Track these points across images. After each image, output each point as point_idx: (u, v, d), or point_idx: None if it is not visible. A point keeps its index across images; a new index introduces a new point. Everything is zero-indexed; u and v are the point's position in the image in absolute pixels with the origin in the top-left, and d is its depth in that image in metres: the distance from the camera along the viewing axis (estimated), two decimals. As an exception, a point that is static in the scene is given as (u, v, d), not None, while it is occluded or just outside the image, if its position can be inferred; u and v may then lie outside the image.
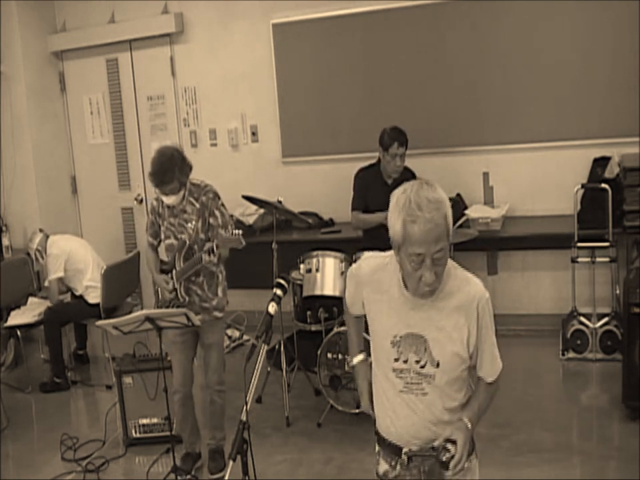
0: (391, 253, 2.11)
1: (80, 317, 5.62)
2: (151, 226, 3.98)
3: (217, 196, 3.88)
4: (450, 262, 2.11)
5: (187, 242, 3.83)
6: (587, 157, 5.42)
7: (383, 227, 5.04)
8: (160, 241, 4.01)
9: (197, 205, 3.84)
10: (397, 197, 2.00)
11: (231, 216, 4.18)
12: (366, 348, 2.45)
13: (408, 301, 2.11)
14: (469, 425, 2.10)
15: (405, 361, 2.13)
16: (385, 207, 5.35)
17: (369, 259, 2.31)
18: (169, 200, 3.80)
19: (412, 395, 2.15)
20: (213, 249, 3.64)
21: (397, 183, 5.38)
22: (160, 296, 4.03)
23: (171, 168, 3.69)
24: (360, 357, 2.49)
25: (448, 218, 1.97)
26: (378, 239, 4.83)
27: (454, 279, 2.11)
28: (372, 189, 4.95)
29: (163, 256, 4.05)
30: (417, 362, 2.12)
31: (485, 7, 5.54)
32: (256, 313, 6.14)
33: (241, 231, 3.59)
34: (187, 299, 3.88)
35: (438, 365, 2.10)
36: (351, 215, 4.98)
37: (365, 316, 2.32)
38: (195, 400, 4.14)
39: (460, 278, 2.13)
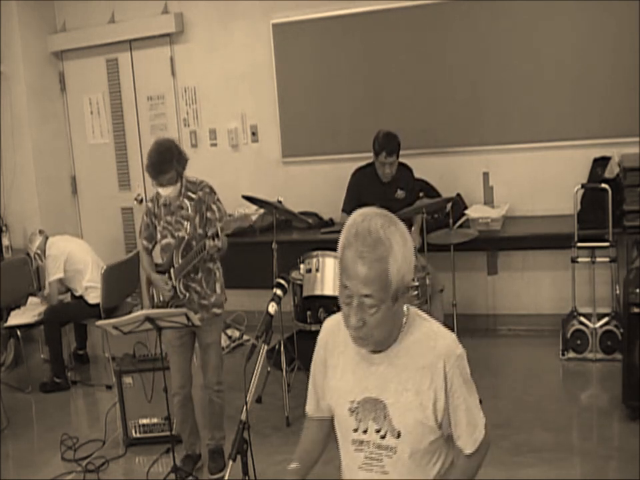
0: None
1: (80, 317, 5.62)
2: (146, 228, 3.98)
3: (212, 191, 3.90)
4: (415, 312, 1.88)
5: (186, 237, 3.83)
6: (586, 157, 5.41)
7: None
8: (154, 244, 4.00)
9: (194, 201, 3.84)
10: (350, 218, 1.77)
11: (231, 216, 4.18)
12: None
13: (364, 359, 1.84)
14: None
15: (365, 431, 1.85)
16: (382, 204, 5.38)
17: (326, 321, 2.05)
18: (166, 191, 3.79)
19: (372, 472, 1.85)
20: (217, 234, 3.61)
21: (394, 181, 5.43)
22: (155, 297, 4.02)
23: (169, 158, 3.71)
24: (293, 466, 2.11)
25: (388, 266, 1.67)
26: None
27: (417, 331, 1.83)
28: (368, 188, 4.97)
29: (157, 259, 4.04)
30: (378, 431, 1.83)
31: (484, 6, 5.54)
32: (256, 313, 6.14)
33: (246, 211, 3.58)
34: (187, 295, 3.88)
35: (399, 435, 1.80)
36: (340, 216, 5.03)
37: (326, 422, 2.02)
38: (195, 400, 4.14)
39: (425, 331, 1.84)
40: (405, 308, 1.84)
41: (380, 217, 1.72)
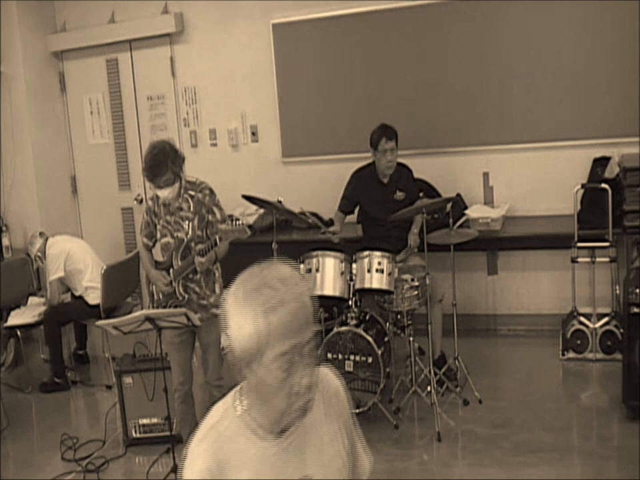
0: (222, 409, 1.52)
1: (80, 317, 5.62)
2: (146, 226, 3.99)
3: (212, 192, 3.91)
4: None
5: (185, 239, 3.84)
6: (587, 157, 5.41)
7: (379, 226, 5.03)
8: (155, 242, 4.01)
9: (193, 202, 3.85)
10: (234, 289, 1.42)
11: (230, 216, 4.19)
12: None
13: (268, 446, 1.47)
14: None
15: None
16: (381, 205, 5.37)
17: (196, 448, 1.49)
18: (164, 193, 3.80)
19: None
20: (205, 251, 3.67)
21: (393, 182, 5.43)
22: (155, 295, 4.02)
23: (164, 160, 3.71)
24: None
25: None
26: (377, 239, 4.85)
27: None
28: (367, 189, 4.96)
29: (158, 257, 4.04)
30: None
31: (484, 7, 5.54)
32: (256, 313, 6.13)
33: (244, 221, 3.60)
34: (186, 297, 3.89)
35: None
36: (335, 213, 5.11)
37: None
38: (195, 400, 4.14)
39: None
40: None
41: (270, 264, 1.45)
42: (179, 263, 3.84)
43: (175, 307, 3.86)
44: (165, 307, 3.93)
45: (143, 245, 4.04)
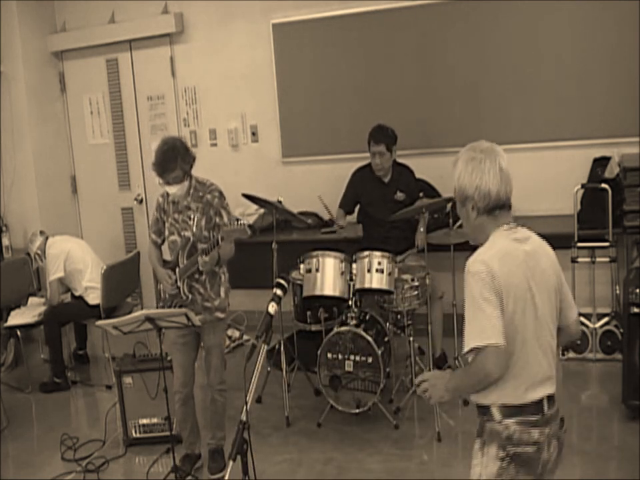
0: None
1: (80, 317, 5.62)
2: (155, 223, 3.99)
3: (222, 195, 3.91)
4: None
5: (191, 238, 3.84)
6: (587, 157, 5.41)
7: (379, 227, 5.02)
8: (164, 239, 4.01)
9: (202, 203, 3.85)
10: None
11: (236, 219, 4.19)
12: None
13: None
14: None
15: None
16: (381, 205, 5.36)
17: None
18: (172, 190, 3.80)
19: None
20: (208, 250, 3.67)
21: (393, 182, 5.42)
22: (162, 293, 4.03)
23: (174, 156, 3.71)
24: None
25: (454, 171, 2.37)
26: (378, 239, 4.85)
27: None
28: (367, 188, 4.96)
29: (166, 256, 4.05)
30: None
31: (484, 6, 5.54)
32: (256, 313, 6.14)
33: (245, 221, 3.60)
34: (190, 297, 3.89)
35: None
36: (336, 211, 5.18)
37: None
38: (195, 400, 4.14)
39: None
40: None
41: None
42: (185, 262, 3.85)
43: (180, 306, 3.87)
44: (170, 306, 3.94)
45: (152, 242, 4.05)
